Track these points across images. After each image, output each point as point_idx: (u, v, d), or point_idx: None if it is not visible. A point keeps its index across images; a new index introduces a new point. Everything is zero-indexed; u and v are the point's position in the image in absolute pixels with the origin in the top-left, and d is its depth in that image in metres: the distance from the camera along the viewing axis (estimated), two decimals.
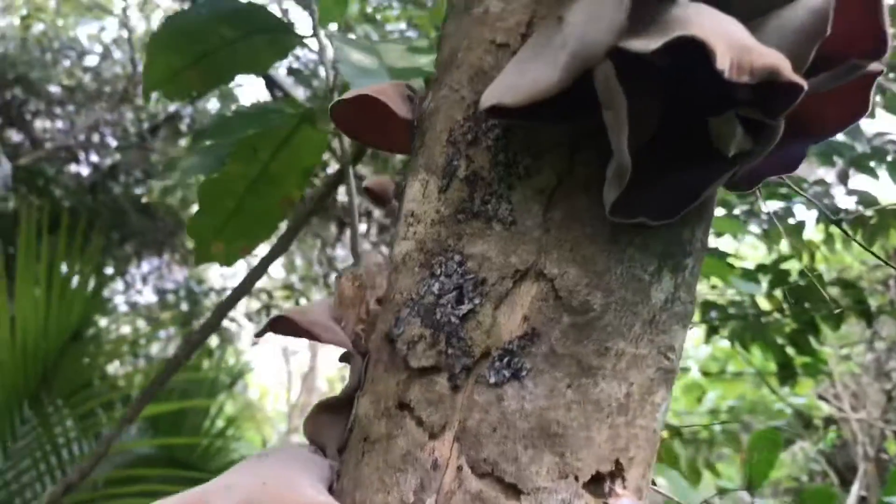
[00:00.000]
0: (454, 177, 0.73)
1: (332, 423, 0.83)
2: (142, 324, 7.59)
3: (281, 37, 1.73)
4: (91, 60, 7.44)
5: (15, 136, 7.11)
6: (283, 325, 0.82)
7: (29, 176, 6.12)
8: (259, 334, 0.83)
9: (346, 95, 0.80)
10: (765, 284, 4.19)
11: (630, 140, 0.62)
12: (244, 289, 1.84)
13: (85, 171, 7.20)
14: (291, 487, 0.72)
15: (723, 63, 0.55)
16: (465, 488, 0.68)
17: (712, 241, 3.40)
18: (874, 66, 0.69)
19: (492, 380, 0.69)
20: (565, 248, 0.69)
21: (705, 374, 7.94)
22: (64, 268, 4.25)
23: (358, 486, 0.73)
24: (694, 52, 0.57)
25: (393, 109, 0.79)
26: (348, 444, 0.78)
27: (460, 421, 0.70)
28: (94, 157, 7.25)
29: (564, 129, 0.69)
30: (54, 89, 7.10)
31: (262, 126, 1.43)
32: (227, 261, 1.85)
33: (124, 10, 7.43)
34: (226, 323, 7.99)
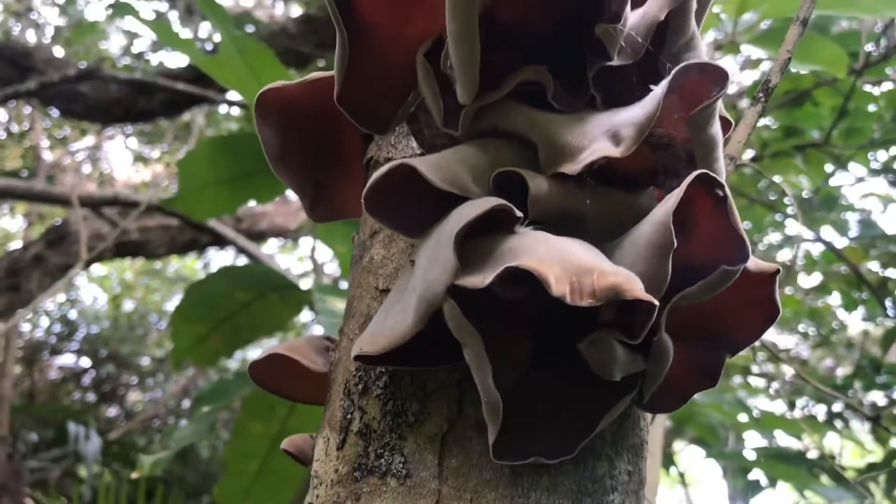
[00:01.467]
0: (349, 431, 0.69)
1: None
2: None
3: (291, 294, 1.78)
4: None
5: (110, 410, 7.38)
6: None
7: (121, 449, 6.27)
8: None
9: (259, 356, 0.80)
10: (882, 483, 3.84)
11: (502, 375, 0.59)
12: None
13: None
14: None
15: (559, 288, 0.53)
16: None
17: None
18: (769, 267, 0.65)
19: None
20: (465, 499, 0.64)
21: None
22: None
23: None
24: (537, 280, 0.54)
25: (304, 365, 0.78)
26: None
27: None
28: (183, 423, 7.42)
29: (449, 370, 0.66)
30: (145, 362, 7.44)
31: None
32: None
33: None
34: None
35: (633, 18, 0.62)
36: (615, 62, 0.62)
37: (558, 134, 0.61)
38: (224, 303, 1.82)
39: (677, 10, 0.61)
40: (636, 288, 0.53)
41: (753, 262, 0.64)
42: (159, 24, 2.24)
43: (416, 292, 0.59)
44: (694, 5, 0.63)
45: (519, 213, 0.58)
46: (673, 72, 0.58)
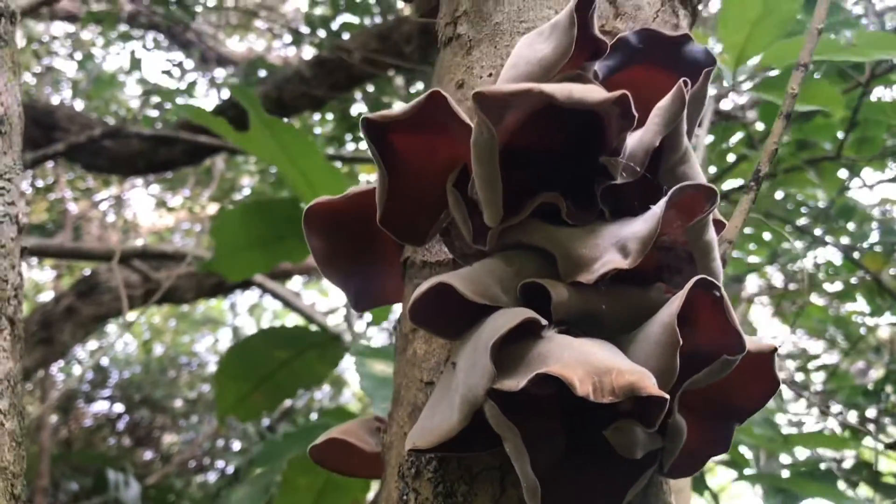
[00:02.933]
0: None
1: None
2: None
3: (330, 350, 1.87)
4: (210, 369, 7.96)
5: (146, 454, 7.49)
6: None
7: (159, 494, 6.37)
8: None
9: (317, 441, 0.89)
10: None
11: (540, 457, 0.67)
12: None
13: (212, 477, 7.45)
14: None
15: (583, 389, 0.62)
16: None
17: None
18: (767, 346, 0.74)
19: None
20: None
21: None
22: None
23: None
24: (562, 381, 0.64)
25: (359, 447, 0.87)
26: None
27: None
28: (219, 464, 7.52)
29: (491, 454, 0.75)
30: (178, 404, 7.55)
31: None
32: None
33: (234, 319, 8.01)
34: None
35: (631, 142, 0.71)
36: (619, 181, 0.71)
37: (573, 248, 0.70)
38: (265, 361, 1.92)
39: (671, 133, 0.71)
40: (649, 385, 0.62)
41: (753, 343, 0.73)
42: (189, 106, 2.35)
43: (458, 393, 0.69)
44: (685, 126, 0.72)
45: (544, 321, 0.68)
46: (671, 192, 0.67)
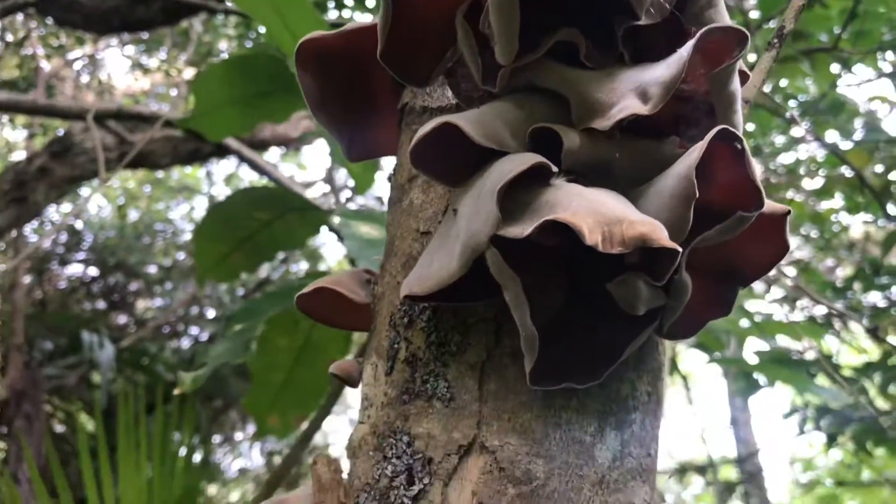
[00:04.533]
0: (396, 359, 0.77)
1: None
2: (251, 488, 7.68)
3: (310, 214, 1.84)
4: (185, 238, 7.91)
5: (119, 317, 7.53)
6: None
7: (133, 356, 6.43)
8: None
9: (305, 289, 0.87)
10: (877, 381, 3.99)
11: (538, 310, 0.65)
12: (300, 450, 1.90)
13: (186, 343, 7.53)
14: None
15: (592, 238, 0.59)
16: None
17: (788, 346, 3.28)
18: (781, 209, 0.71)
19: None
20: (503, 419, 0.72)
21: (839, 483, 7.44)
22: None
23: None
24: (570, 230, 0.61)
25: (348, 297, 0.85)
26: None
27: None
28: (193, 330, 7.59)
29: (487, 305, 0.73)
30: (153, 270, 7.54)
31: (289, 305, 1.51)
32: (283, 432, 1.91)
33: (211, 188, 7.92)
34: None
35: None
36: (642, 22, 0.66)
37: (590, 91, 0.66)
38: (245, 223, 1.88)
39: None
40: (662, 236, 0.60)
41: (766, 204, 0.70)
42: None
43: (459, 240, 0.66)
44: None
45: (554, 168, 0.64)
46: (699, 33, 0.62)
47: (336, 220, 1.54)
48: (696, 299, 0.72)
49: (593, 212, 0.60)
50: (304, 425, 1.96)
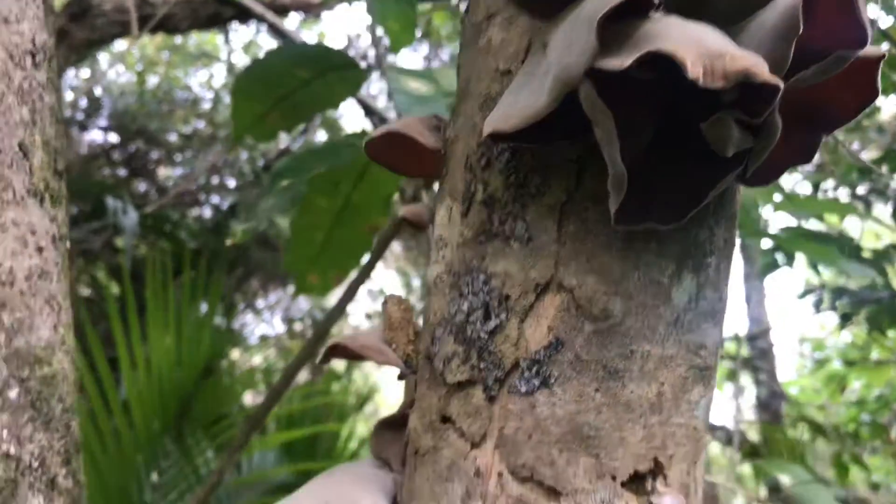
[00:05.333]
0: (473, 201, 0.77)
1: (393, 439, 0.88)
2: (273, 353, 7.91)
3: (351, 73, 1.81)
4: (204, 106, 7.85)
5: (141, 185, 7.57)
6: (339, 352, 0.88)
7: (156, 222, 6.49)
8: (321, 361, 0.90)
9: (374, 133, 0.86)
10: None
11: (626, 150, 0.65)
12: (338, 312, 1.94)
13: (207, 213, 7.59)
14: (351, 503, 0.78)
15: (694, 71, 0.58)
16: (508, 493, 0.72)
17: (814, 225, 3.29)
18: (875, 52, 0.69)
19: (523, 389, 0.73)
20: (581, 260, 0.72)
21: (847, 362, 7.57)
22: (195, 305, 4.51)
23: (412, 496, 0.78)
24: (671, 63, 0.59)
25: (419, 141, 0.84)
26: (405, 457, 0.83)
27: (498, 429, 0.74)
28: (214, 199, 7.64)
29: (569, 146, 0.73)
30: (173, 137, 7.52)
31: (335, 162, 1.51)
32: (323, 290, 1.95)
33: (230, 54, 7.80)
34: None
35: None
36: None
37: None
38: (284, 81, 1.85)
39: None
40: (765, 71, 0.58)
41: None
42: None
43: (550, 74, 0.64)
44: None
45: (655, 0, 0.62)
46: None
47: (387, 73, 1.51)
48: (778, 145, 0.71)
49: (696, 44, 0.59)
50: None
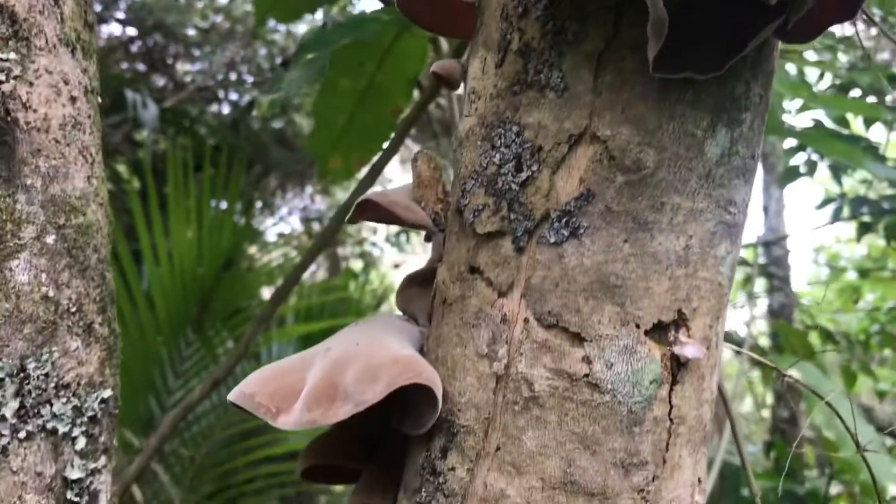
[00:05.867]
0: (508, 50, 0.76)
1: (419, 295, 0.90)
2: (291, 251, 7.99)
3: None
4: (221, 1, 7.72)
5: (159, 79, 7.52)
6: (369, 209, 0.89)
7: (175, 117, 6.48)
8: (350, 220, 0.91)
9: None
10: None
11: None
12: (360, 195, 1.94)
13: (226, 109, 7.55)
14: (380, 345, 0.80)
15: None
16: (533, 338, 0.74)
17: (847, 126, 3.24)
18: None
19: (552, 239, 0.74)
20: (617, 110, 0.72)
21: (862, 273, 7.57)
22: (214, 201, 4.54)
23: (440, 343, 0.80)
24: None
25: None
26: (432, 309, 0.85)
27: (526, 279, 0.75)
28: (232, 95, 7.58)
29: None
30: (191, 32, 7.43)
31: (361, 35, 1.48)
32: (345, 175, 1.95)
33: None
34: (368, 247, 8.34)
35: None
36: None
37: None
38: None
39: None
40: None
41: None
42: None
43: None
44: None
45: None
46: None
47: None
48: (818, 3, 0.70)
49: None
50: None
